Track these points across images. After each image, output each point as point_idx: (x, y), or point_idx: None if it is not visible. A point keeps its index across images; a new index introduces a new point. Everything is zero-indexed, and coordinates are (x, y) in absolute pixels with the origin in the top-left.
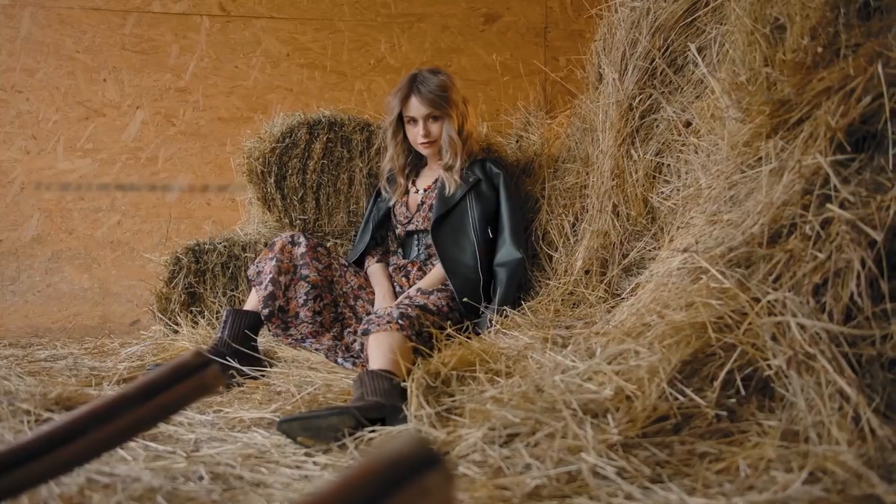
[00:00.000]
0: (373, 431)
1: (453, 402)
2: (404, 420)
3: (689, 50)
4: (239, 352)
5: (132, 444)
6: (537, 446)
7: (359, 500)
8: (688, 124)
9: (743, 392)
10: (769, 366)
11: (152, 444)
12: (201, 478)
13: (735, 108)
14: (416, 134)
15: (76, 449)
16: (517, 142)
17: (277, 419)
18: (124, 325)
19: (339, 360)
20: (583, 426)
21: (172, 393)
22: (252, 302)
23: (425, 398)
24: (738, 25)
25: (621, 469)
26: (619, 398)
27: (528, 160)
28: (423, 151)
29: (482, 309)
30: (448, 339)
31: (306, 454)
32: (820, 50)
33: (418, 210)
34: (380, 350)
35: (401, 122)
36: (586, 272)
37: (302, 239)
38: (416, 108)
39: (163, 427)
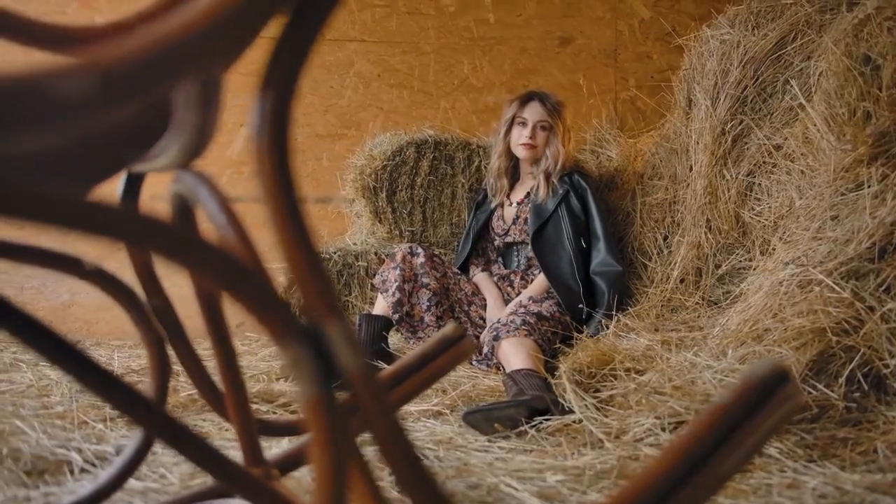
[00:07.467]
0: (547, 419)
1: (611, 394)
2: (563, 409)
3: (781, 82)
4: (378, 351)
5: None
6: None
7: (748, 405)
8: (778, 148)
9: (865, 387)
10: (885, 365)
11: None
12: (423, 457)
13: (836, 139)
14: (521, 134)
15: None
16: (596, 158)
17: (443, 411)
18: (231, 326)
19: (474, 362)
20: None
21: (444, 360)
22: (380, 307)
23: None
24: (831, 61)
25: (780, 450)
26: None
27: (609, 175)
28: (521, 153)
29: (593, 314)
30: (566, 342)
31: (488, 440)
32: None
33: (514, 223)
34: (517, 353)
35: (513, 125)
36: (681, 281)
37: (420, 250)
38: (533, 110)
39: None
